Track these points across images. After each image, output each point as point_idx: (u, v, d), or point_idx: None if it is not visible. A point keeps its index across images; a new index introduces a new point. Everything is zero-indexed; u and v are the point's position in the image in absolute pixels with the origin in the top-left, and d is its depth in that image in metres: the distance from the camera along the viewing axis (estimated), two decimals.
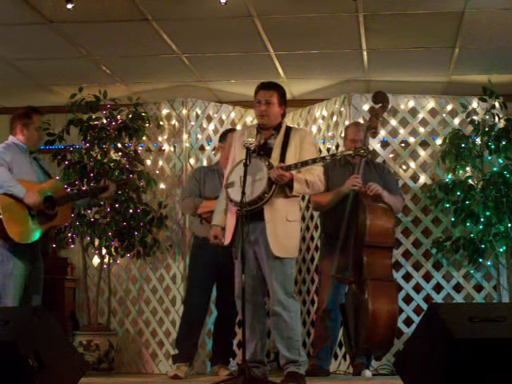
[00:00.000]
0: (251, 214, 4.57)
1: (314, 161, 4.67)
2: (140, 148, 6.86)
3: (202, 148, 6.84)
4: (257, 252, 4.68)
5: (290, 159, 4.69)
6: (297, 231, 4.77)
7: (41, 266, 5.29)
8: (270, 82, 4.94)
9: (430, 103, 6.49)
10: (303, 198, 6.41)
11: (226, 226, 4.76)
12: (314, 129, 6.77)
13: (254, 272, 4.69)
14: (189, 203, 5.79)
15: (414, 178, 6.44)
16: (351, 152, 4.94)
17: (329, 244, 5.63)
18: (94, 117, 6.70)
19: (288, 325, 4.62)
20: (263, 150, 4.74)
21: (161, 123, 6.80)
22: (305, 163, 4.64)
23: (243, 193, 4.45)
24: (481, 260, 6.09)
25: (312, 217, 6.58)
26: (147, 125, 6.75)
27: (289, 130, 4.84)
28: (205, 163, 6.69)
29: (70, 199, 5.45)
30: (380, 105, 5.69)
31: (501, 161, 6.22)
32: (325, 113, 6.70)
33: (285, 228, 4.64)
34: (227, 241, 4.72)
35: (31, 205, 5.05)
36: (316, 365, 5.61)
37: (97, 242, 6.55)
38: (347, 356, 5.86)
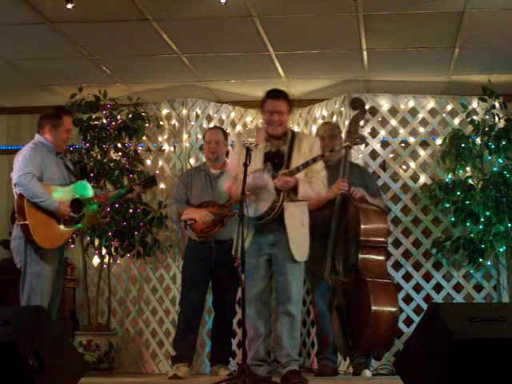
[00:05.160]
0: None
1: (304, 165, 4.67)
2: (140, 148, 6.86)
3: (201, 148, 6.83)
4: (272, 254, 4.74)
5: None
6: (308, 236, 4.84)
7: (63, 267, 5.42)
8: (278, 90, 4.89)
9: (430, 103, 6.49)
10: None
11: None
12: (314, 129, 6.75)
13: (263, 272, 4.77)
14: (173, 210, 5.88)
15: (414, 178, 6.43)
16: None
17: (317, 246, 5.60)
18: (93, 117, 6.70)
19: (298, 326, 4.79)
20: (277, 158, 4.76)
21: (161, 123, 6.80)
22: (300, 168, 4.65)
23: (243, 193, 4.45)
24: (481, 260, 6.09)
25: None
26: (147, 125, 6.75)
27: (293, 135, 4.86)
28: None
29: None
30: (358, 111, 5.63)
31: (501, 161, 6.22)
32: (325, 113, 6.70)
33: (300, 233, 4.76)
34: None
35: (61, 217, 5.09)
36: (327, 365, 5.66)
37: (97, 242, 6.55)
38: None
